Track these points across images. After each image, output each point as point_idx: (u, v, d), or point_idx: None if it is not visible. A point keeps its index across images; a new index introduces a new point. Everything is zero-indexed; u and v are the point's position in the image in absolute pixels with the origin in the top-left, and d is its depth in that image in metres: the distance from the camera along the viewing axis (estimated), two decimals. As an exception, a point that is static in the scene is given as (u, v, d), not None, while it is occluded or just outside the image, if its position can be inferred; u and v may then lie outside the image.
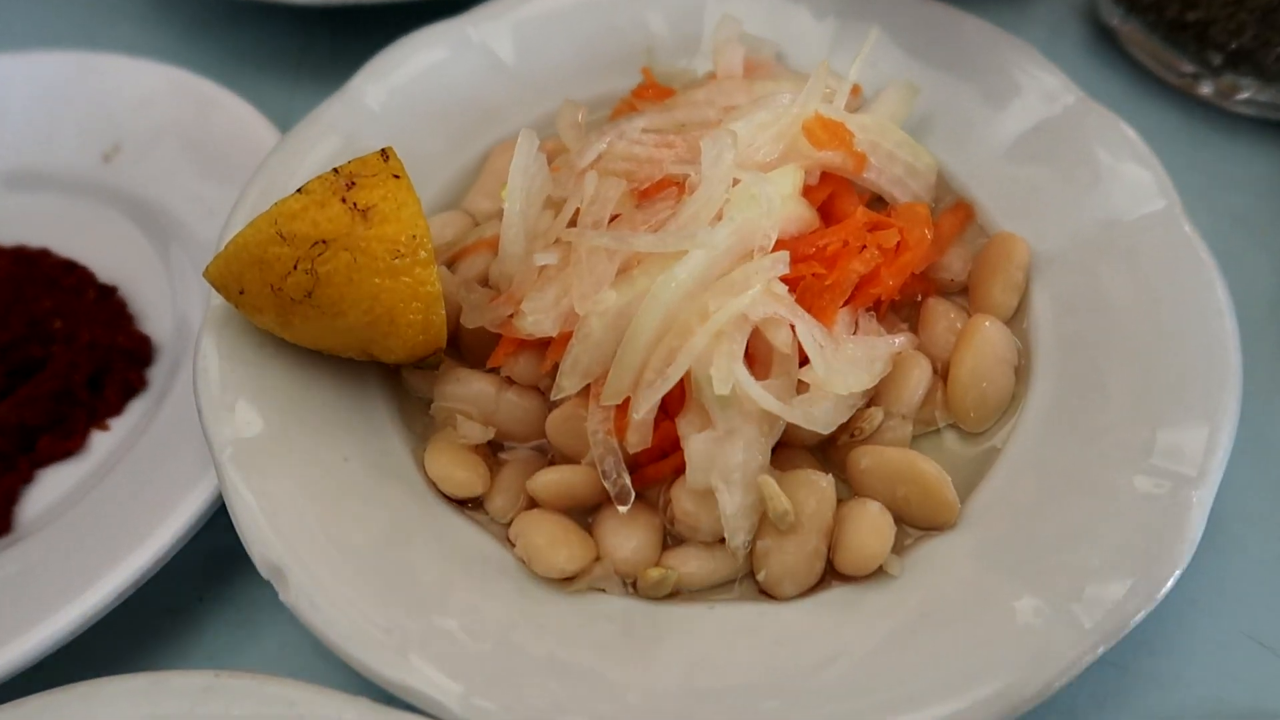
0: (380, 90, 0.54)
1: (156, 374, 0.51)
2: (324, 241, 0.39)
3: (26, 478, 0.48)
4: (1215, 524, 0.41)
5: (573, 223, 0.45)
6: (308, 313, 0.40)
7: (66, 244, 0.56)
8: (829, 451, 0.44)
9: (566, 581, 0.40)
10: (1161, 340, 0.43)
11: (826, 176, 0.49)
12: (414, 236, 0.40)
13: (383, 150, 0.41)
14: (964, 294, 0.49)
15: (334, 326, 0.41)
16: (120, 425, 0.50)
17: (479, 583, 0.39)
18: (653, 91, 0.52)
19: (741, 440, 0.40)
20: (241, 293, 0.41)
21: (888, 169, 0.49)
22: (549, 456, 0.44)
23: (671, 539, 0.42)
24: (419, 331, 0.42)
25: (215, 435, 0.40)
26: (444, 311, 0.42)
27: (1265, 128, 0.58)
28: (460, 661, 0.36)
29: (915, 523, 0.41)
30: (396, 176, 0.41)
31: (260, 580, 0.42)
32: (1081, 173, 0.49)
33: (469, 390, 0.44)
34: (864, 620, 0.38)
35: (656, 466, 0.42)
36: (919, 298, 0.48)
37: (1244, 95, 0.58)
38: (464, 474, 0.42)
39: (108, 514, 0.44)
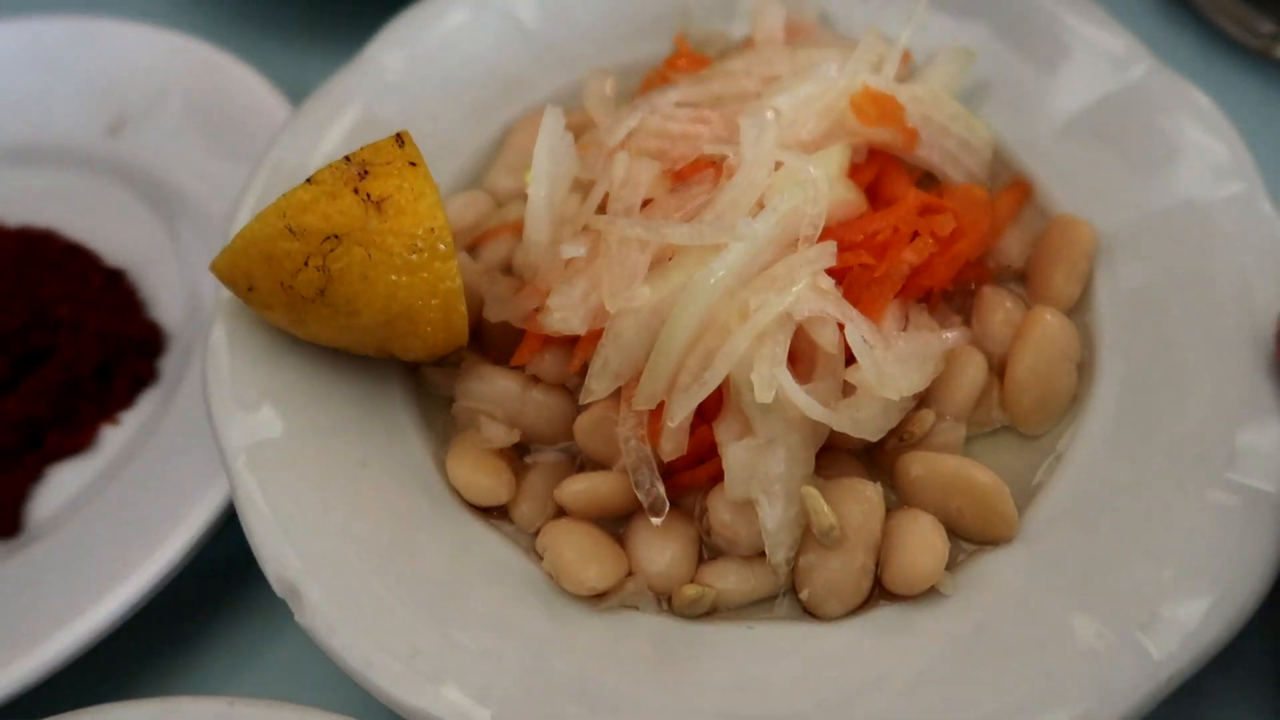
0: (398, 59, 0.50)
1: (168, 364, 0.49)
2: (336, 236, 0.36)
3: (34, 475, 0.46)
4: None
5: (602, 208, 0.42)
6: (320, 311, 0.38)
7: (71, 223, 0.53)
8: (876, 455, 0.41)
9: (597, 598, 0.38)
10: (1239, 336, 0.40)
11: (874, 154, 0.45)
12: (432, 229, 0.37)
13: (397, 135, 0.38)
14: (1021, 281, 0.46)
15: (349, 325, 0.38)
16: (131, 419, 0.48)
17: (505, 600, 0.37)
18: (687, 60, 0.49)
19: (784, 449, 0.37)
20: (251, 289, 0.39)
21: (941, 144, 0.46)
22: (577, 461, 0.42)
23: (708, 551, 0.39)
24: (439, 329, 0.39)
25: (227, 440, 0.38)
26: (465, 309, 0.40)
27: None
28: (487, 687, 0.34)
29: (969, 536, 0.38)
30: (413, 164, 0.38)
31: None
32: (1151, 149, 0.45)
33: (493, 389, 0.42)
34: (914, 644, 0.36)
35: (692, 473, 0.39)
36: (972, 286, 0.45)
37: None
38: (488, 480, 0.40)
39: (120, 517, 0.42)
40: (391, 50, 0.51)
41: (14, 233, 0.52)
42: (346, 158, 0.37)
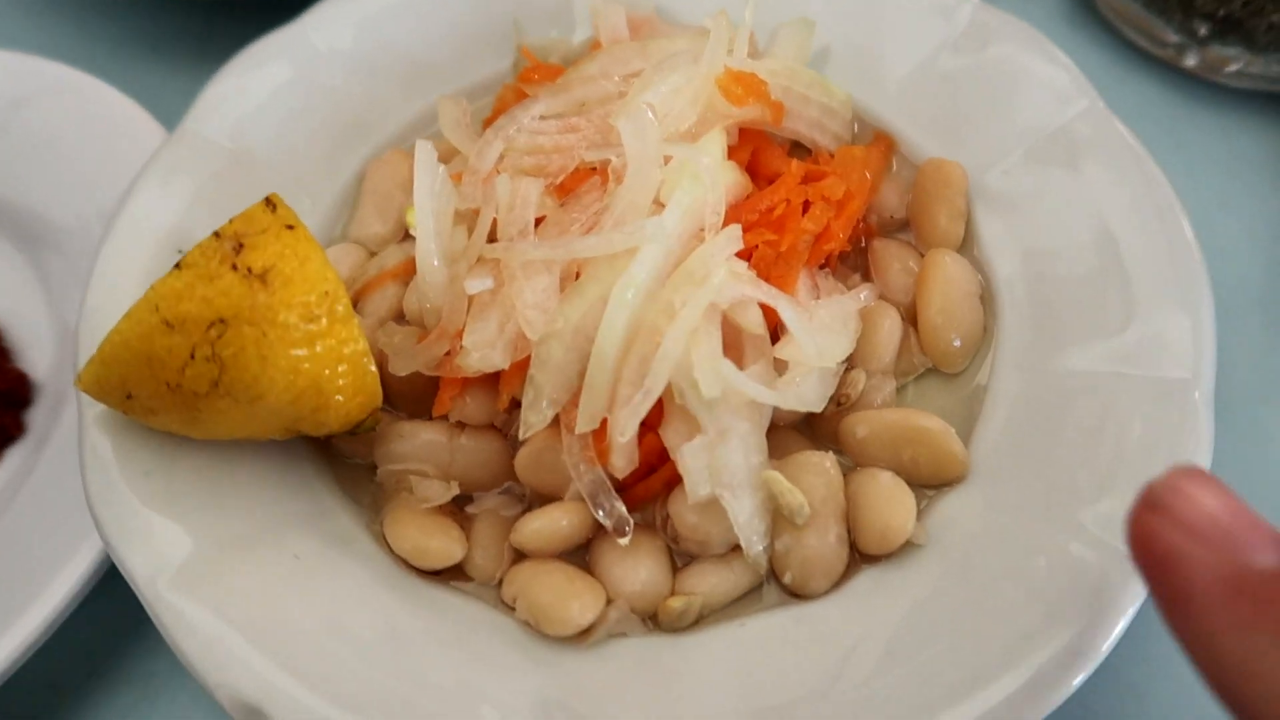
0: (224, 125, 0.47)
1: (36, 416, 0.45)
2: (222, 320, 0.33)
3: None
4: None
5: (491, 236, 0.40)
6: (218, 405, 0.34)
7: None
8: (816, 425, 0.41)
9: (582, 636, 0.36)
10: (1116, 242, 0.42)
11: (745, 133, 0.45)
12: (326, 293, 0.35)
13: (267, 199, 0.35)
14: (905, 230, 0.47)
15: (252, 412, 0.35)
16: None
17: (487, 659, 0.35)
18: (539, 72, 0.47)
19: (736, 439, 0.37)
20: (129, 397, 0.34)
21: (804, 114, 0.46)
22: (524, 500, 0.40)
23: (680, 558, 0.38)
24: (351, 395, 0.36)
25: (136, 569, 0.34)
26: (374, 368, 0.37)
27: (1254, 101, 0.54)
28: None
29: (925, 482, 0.39)
30: (290, 227, 0.35)
31: (156, 652, 0.40)
32: (996, 83, 0.47)
33: (417, 445, 0.39)
34: (903, 597, 0.36)
35: (645, 485, 0.38)
36: (862, 243, 0.46)
37: (1232, 68, 0.53)
38: (437, 542, 0.37)
39: None
40: (215, 117, 0.47)
41: None
42: (216, 233, 0.34)
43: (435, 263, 0.39)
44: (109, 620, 0.41)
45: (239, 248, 0.33)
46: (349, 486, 0.40)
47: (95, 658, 0.40)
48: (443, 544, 0.37)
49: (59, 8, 0.62)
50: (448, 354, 0.39)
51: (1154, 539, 0.24)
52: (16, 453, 0.44)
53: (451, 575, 0.38)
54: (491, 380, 0.39)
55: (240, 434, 0.37)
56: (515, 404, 0.39)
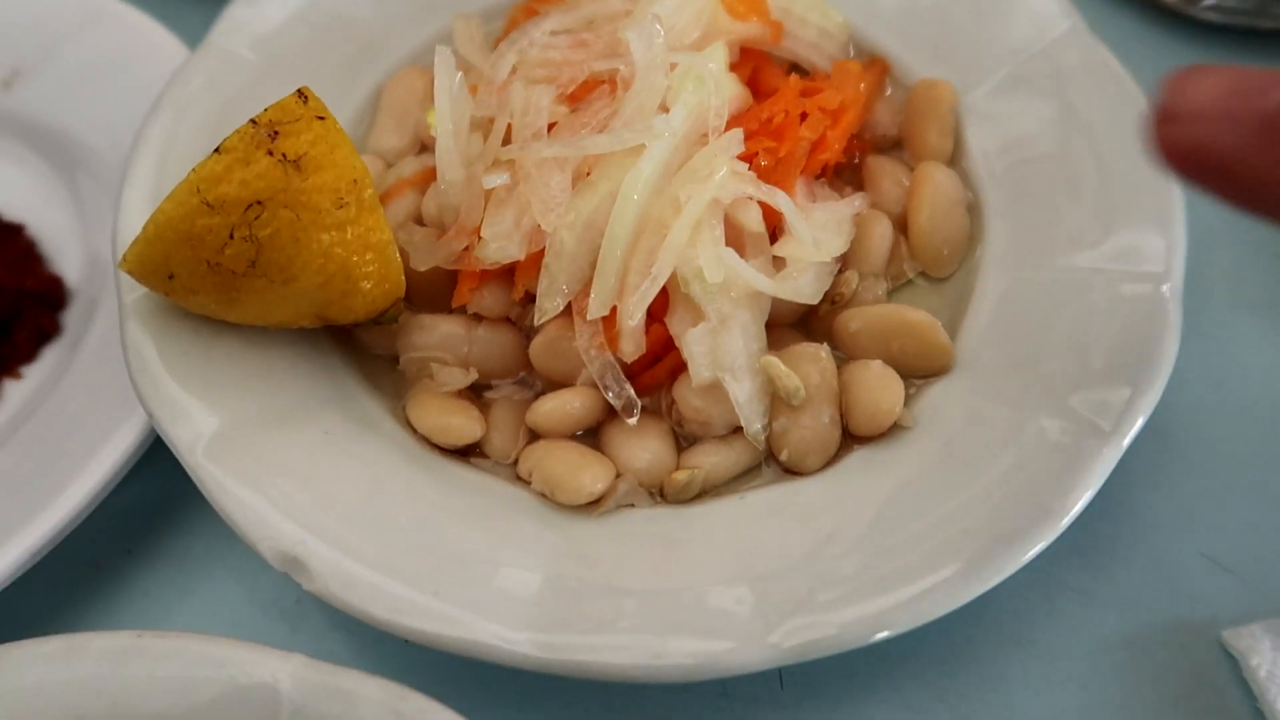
0: (246, 41, 0.49)
1: (70, 318, 0.48)
2: (259, 202, 0.35)
3: None
4: (1173, 447, 0.44)
5: (507, 140, 0.42)
6: (254, 284, 0.37)
7: None
8: (812, 324, 0.44)
9: (592, 505, 0.38)
10: (1097, 156, 0.44)
11: (746, 52, 0.48)
12: (355, 181, 0.37)
13: (299, 91, 0.37)
14: (898, 148, 0.49)
15: (285, 294, 0.37)
16: (34, 373, 0.46)
17: (506, 528, 0.37)
18: (548, -8, 0.49)
19: (737, 326, 0.39)
20: (171, 277, 0.37)
21: (802, 35, 0.49)
22: (535, 388, 0.42)
23: (684, 440, 0.41)
24: (378, 283, 0.39)
25: (179, 438, 0.36)
26: (399, 258, 0.39)
27: (1230, 35, 0.56)
28: (514, 609, 0.34)
29: (913, 373, 0.42)
30: (321, 118, 0.37)
31: (191, 532, 0.43)
32: (985, 8, 0.50)
33: (437, 335, 0.42)
34: (893, 472, 0.39)
35: (652, 373, 0.41)
36: (856, 159, 0.48)
37: (1208, 1, 0.54)
38: (459, 420, 0.40)
39: (25, 467, 0.41)
40: (238, 32, 0.49)
41: None
42: (253, 120, 0.36)
43: (454, 161, 0.41)
44: (144, 504, 0.43)
45: (274, 135, 0.36)
46: (372, 376, 0.43)
47: (133, 538, 0.43)
48: (463, 422, 0.40)
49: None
50: (466, 249, 0.41)
51: (1180, 144, 0.24)
52: (53, 351, 0.47)
53: (470, 454, 0.41)
54: (506, 275, 0.41)
55: (273, 318, 0.39)
56: (529, 297, 0.41)
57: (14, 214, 0.50)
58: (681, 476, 0.39)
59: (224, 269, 0.36)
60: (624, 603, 0.35)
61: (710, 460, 0.39)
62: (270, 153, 0.35)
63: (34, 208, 0.51)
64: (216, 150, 0.36)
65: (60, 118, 0.52)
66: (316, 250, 0.37)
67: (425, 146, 0.48)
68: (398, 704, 0.31)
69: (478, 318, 0.42)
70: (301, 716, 0.31)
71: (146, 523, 0.43)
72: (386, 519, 0.36)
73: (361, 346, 0.43)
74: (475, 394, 0.42)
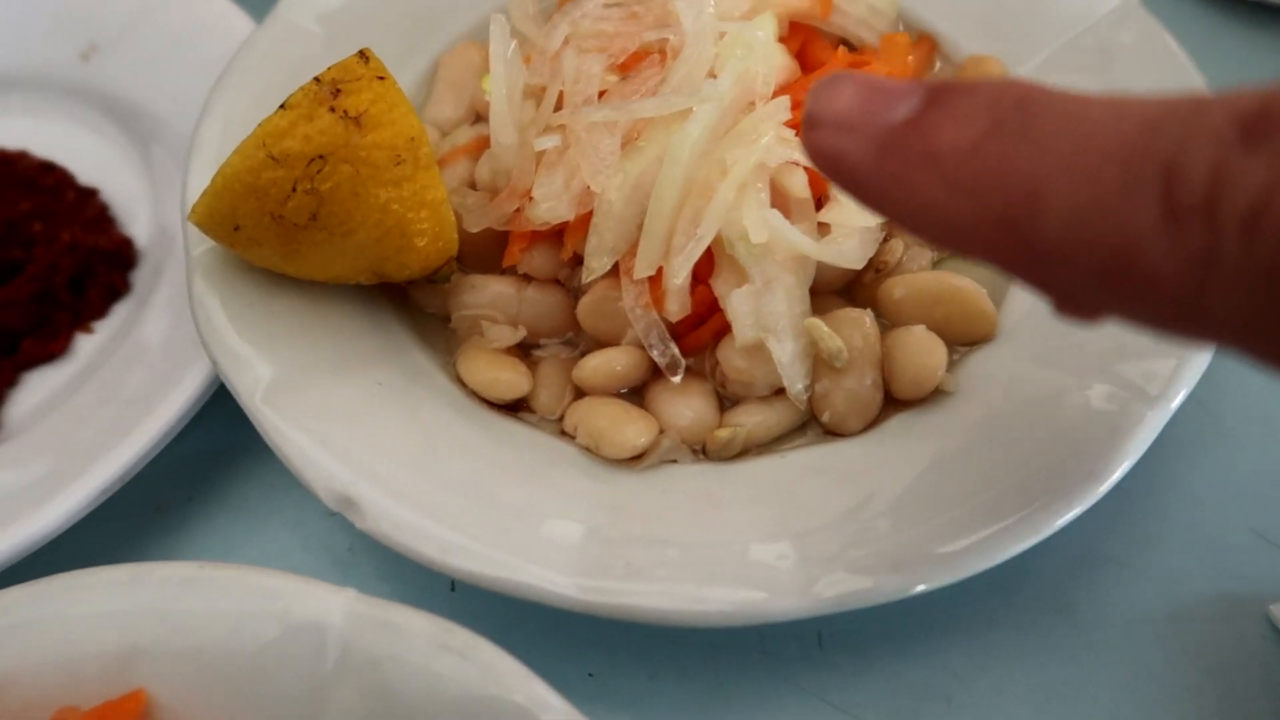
0: (311, 14, 0.50)
1: (139, 277, 0.50)
2: (321, 157, 0.37)
3: (10, 380, 0.47)
4: (1221, 423, 0.43)
5: (558, 107, 0.43)
6: (314, 237, 0.38)
7: (43, 146, 0.54)
8: (855, 292, 0.44)
9: (635, 460, 0.39)
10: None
11: (795, 26, 0.48)
12: (412, 139, 0.38)
13: (360, 52, 0.38)
14: (945, 123, 0.49)
15: (343, 248, 0.39)
16: (104, 328, 0.48)
17: (551, 478, 0.38)
18: (602, -33, 0.50)
19: (781, 289, 0.40)
20: (237, 229, 0.38)
21: (851, 11, 0.49)
22: (580, 347, 0.43)
23: (727, 401, 0.42)
24: (432, 240, 0.40)
25: (241, 383, 0.38)
26: (453, 216, 0.40)
27: None
28: (560, 554, 0.35)
29: (957, 340, 0.42)
30: (381, 78, 0.38)
31: (249, 480, 0.45)
32: (1035, -16, 0.50)
33: (488, 294, 0.43)
34: (936, 435, 0.39)
35: (696, 334, 0.41)
36: (903, 133, 0.48)
37: None
38: (508, 375, 0.41)
39: (94, 414, 0.43)
40: (301, 8, 0.51)
41: None
42: (316, 79, 0.37)
43: (508, 125, 0.42)
44: (206, 453, 0.45)
45: (336, 92, 0.37)
46: (424, 333, 0.44)
47: (193, 485, 0.45)
48: (512, 377, 0.41)
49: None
50: (517, 211, 0.42)
51: (820, 150, 0.24)
52: (122, 307, 0.49)
53: (518, 409, 0.42)
54: (555, 237, 0.42)
55: (331, 272, 0.41)
56: (577, 259, 0.42)
57: (90, 178, 0.53)
58: (724, 434, 0.39)
59: (286, 221, 0.38)
60: (666, 552, 0.35)
61: (752, 419, 0.40)
62: (332, 109, 0.37)
63: (109, 174, 0.53)
64: (282, 106, 0.37)
65: (134, 90, 0.55)
66: (374, 205, 0.38)
67: (480, 116, 0.50)
68: (445, 637, 0.32)
69: (526, 278, 0.43)
70: (351, 647, 0.32)
71: (207, 471, 0.45)
72: (437, 465, 0.37)
73: (414, 304, 0.45)
74: (523, 352, 0.43)
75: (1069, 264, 0.21)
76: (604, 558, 0.35)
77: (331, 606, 0.33)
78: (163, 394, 0.41)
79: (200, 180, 0.42)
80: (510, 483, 0.38)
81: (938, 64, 0.51)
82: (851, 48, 0.50)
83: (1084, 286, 0.21)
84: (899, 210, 0.23)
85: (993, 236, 0.22)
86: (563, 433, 0.41)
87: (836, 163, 0.24)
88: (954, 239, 0.23)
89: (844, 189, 0.24)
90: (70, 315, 0.48)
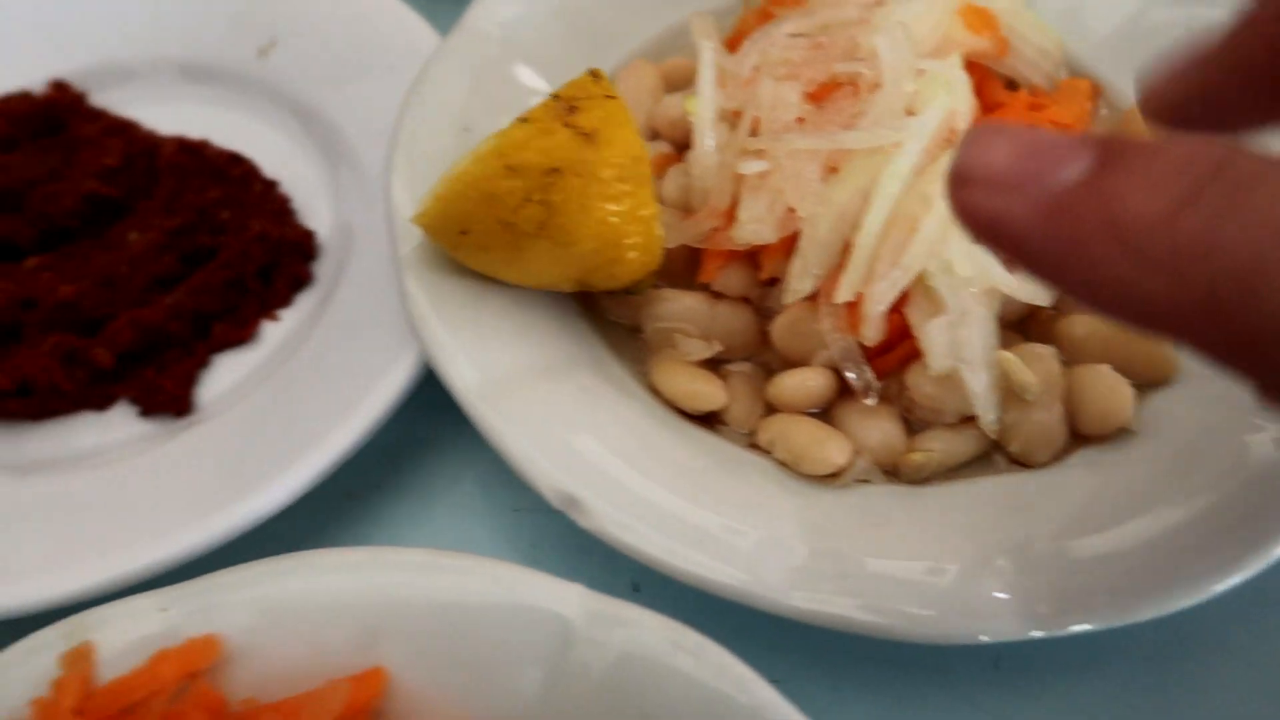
0: (496, 24, 0.52)
1: (322, 269, 0.52)
2: (555, 170, 0.38)
3: (203, 362, 0.48)
4: None
5: (754, 132, 0.45)
6: (539, 245, 0.40)
7: (224, 137, 0.55)
8: (1029, 327, 0.45)
9: (832, 477, 0.41)
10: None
11: (971, 65, 0.50)
12: (635, 158, 0.40)
13: (591, 71, 0.40)
14: (1108, 166, 0.51)
15: (562, 256, 0.40)
16: (289, 317, 0.50)
17: (751, 489, 0.40)
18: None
19: (975, 321, 0.41)
20: (464, 233, 0.40)
21: (1024, 52, 0.51)
22: (767, 365, 0.45)
23: (913, 426, 0.43)
24: (640, 254, 0.42)
25: (459, 381, 0.40)
26: (661, 232, 0.42)
27: None
28: (771, 561, 0.37)
29: (1137, 380, 0.43)
30: (610, 97, 0.40)
31: (436, 470, 0.46)
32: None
33: (681, 308, 0.44)
34: (1121, 472, 0.40)
35: (884, 359, 0.43)
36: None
37: None
38: (707, 387, 0.42)
39: (291, 401, 0.45)
40: (487, 19, 0.52)
41: (172, 140, 0.54)
42: (554, 95, 0.39)
43: (710, 145, 0.44)
44: (393, 443, 0.46)
45: (571, 109, 0.39)
46: (614, 342, 0.45)
47: (383, 473, 0.46)
48: (711, 389, 0.42)
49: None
50: (714, 230, 0.44)
51: (974, 212, 0.21)
52: (306, 297, 0.50)
53: (708, 421, 0.43)
54: (749, 258, 0.44)
55: (543, 278, 0.42)
56: (769, 280, 0.44)
57: (270, 171, 0.54)
58: (918, 457, 0.41)
59: (516, 228, 0.39)
60: (874, 567, 0.37)
61: (942, 445, 0.41)
62: (568, 125, 0.39)
63: (284, 166, 0.55)
64: (521, 120, 0.39)
65: (311, 88, 0.56)
66: (597, 218, 0.39)
67: (658, 134, 0.51)
68: (677, 637, 0.33)
69: (717, 295, 0.45)
70: (591, 640, 0.33)
71: (395, 459, 0.46)
72: (650, 470, 0.39)
73: (604, 314, 0.46)
74: (710, 367, 0.45)
75: None
76: (818, 569, 0.36)
77: (568, 599, 0.34)
78: (368, 386, 0.43)
79: (408, 183, 0.44)
80: (717, 491, 0.39)
81: (1102, 110, 0.52)
82: (1015, 88, 0.51)
83: None
84: (1076, 284, 0.21)
85: (1194, 320, 0.19)
86: (754, 446, 0.42)
87: (994, 226, 0.21)
88: (1144, 319, 0.20)
89: (1001, 255, 0.22)
90: (258, 302, 0.50)
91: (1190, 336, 0.20)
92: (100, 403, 0.47)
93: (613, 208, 0.40)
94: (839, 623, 0.35)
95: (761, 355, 0.45)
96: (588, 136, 0.39)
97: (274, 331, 0.49)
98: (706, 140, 0.44)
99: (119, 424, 0.47)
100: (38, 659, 0.34)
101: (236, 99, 0.57)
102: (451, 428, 0.45)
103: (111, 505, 0.42)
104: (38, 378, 0.46)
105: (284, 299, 0.50)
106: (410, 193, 0.45)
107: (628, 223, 0.40)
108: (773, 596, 0.35)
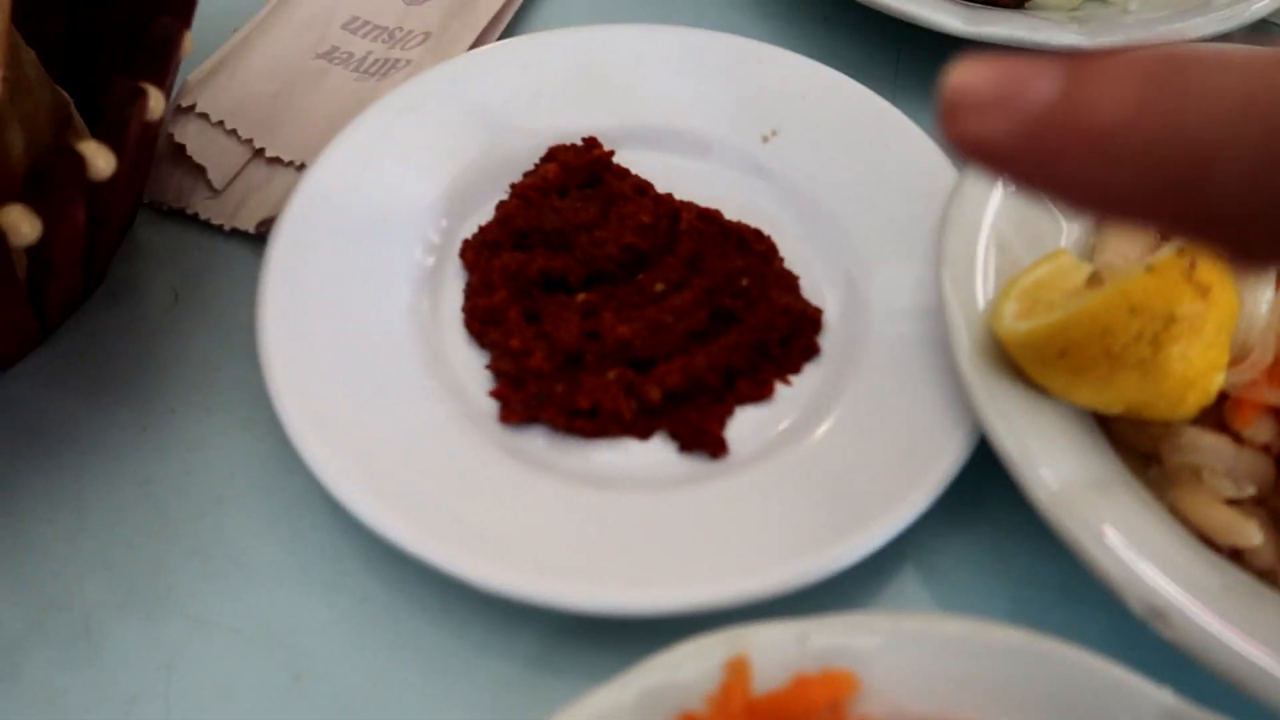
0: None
1: (827, 343, 0.57)
2: (1172, 317, 0.44)
3: (730, 412, 0.54)
4: None
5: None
6: (1129, 377, 0.45)
7: (726, 210, 0.62)
8: None
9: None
10: None
11: None
12: (1233, 315, 0.45)
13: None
14: None
15: (1144, 389, 0.45)
16: (799, 382, 0.56)
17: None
18: None
19: None
20: (1063, 354, 0.45)
21: None
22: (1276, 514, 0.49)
23: None
24: (1199, 396, 0.46)
25: (1044, 484, 0.44)
26: (1217, 386, 0.47)
27: None
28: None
29: None
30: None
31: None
32: None
33: (1207, 446, 0.49)
34: None
35: None
36: None
37: None
38: (1241, 523, 0.46)
39: (844, 465, 0.50)
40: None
41: (691, 206, 0.62)
42: (1180, 250, 0.44)
43: (1265, 309, 0.49)
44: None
45: (1193, 265, 0.44)
46: (1131, 465, 0.50)
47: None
48: (1245, 526, 0.46)
49: (767, 9, 0.77)
50: (1252, 382, 0.48)
51: (963, 137, 0.24)
52: (814, 368, 0.56)
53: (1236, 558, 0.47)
54: (1276, 411, 0.48)
55: (1099, 401, 0.47)
56: (1289, 432, 0.48)
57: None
58: None
59: (1118, 360, 0.44)
60: None
61: None
62: (1189, 279, 0.44)
63: (781, 243, 0.61)
64: (1148, 269, 0.44)
65: (807, 177, 0.63)
66: (1189, 362, 0.44)
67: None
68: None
69: (1240, 440, 0.49)
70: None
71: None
72: (1207, 593, 0.43)
73: (1115, 438, 0.51)
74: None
75: (1248, 226, 0.21)
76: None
77: (1159, 702, 0.39)
78: (927, 463, 0.49)
79: (957, 289, 0.50)
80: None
81: None
82: None
83: (1264, 242, 0.21)
84: (1055, 189, 0.24)
85: (1160, 205, 0.22)
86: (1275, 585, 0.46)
87: (982, 148, 0.24)
88: (1116, 210, 0.23)
89: (991, 172, 0.25)
90: (776, 367, 0.56)
91: (1163, 220, 0.23)
92: (643, 432, 0.53)
93: (1204, 356, 0.44)
94: None
95: (1272, 502, 0.49)
96: (1204, 292, 0.44)
97: (786, 394, 0.55)
98: (1263, 300, 0.49)
99: (654, 454, 0.53)
100: (706, 659, 0.40)
101: (741, 177, 0.64)
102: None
103: (692, 529, 0.48)
104: (605, 403, 0.53)
105: (795, 366, 0.56)
106: (958, 298, 0.51)
107: (1209, 369, 0.45)
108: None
